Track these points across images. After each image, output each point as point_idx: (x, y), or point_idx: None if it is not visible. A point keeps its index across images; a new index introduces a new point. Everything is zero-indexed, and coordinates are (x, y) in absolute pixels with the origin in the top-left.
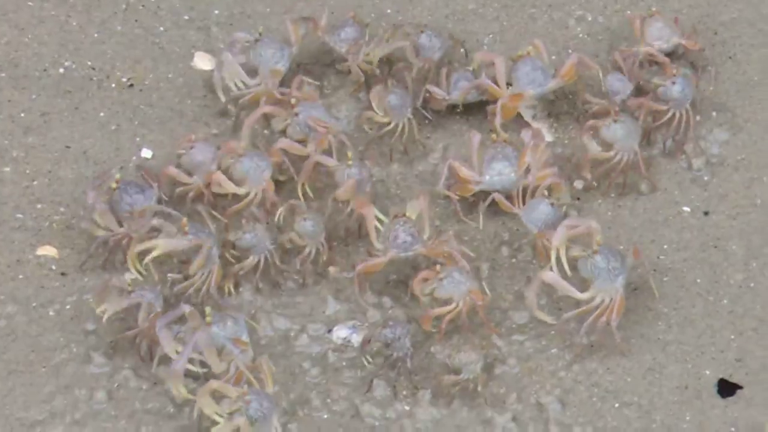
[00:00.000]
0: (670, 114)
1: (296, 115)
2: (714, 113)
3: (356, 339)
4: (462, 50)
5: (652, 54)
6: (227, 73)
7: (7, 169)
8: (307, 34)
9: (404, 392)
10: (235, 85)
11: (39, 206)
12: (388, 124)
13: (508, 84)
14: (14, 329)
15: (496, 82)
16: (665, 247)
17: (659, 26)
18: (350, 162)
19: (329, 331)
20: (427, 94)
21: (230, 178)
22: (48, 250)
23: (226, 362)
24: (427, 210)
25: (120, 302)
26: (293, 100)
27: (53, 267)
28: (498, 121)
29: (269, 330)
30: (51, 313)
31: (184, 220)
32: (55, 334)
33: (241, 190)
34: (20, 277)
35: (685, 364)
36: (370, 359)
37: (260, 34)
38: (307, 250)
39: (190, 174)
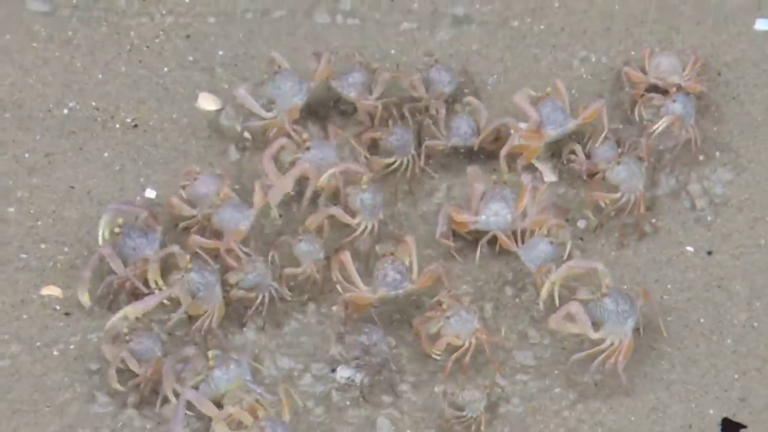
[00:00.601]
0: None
1: (308, 149)
2: (718, 153)
3: (360, 378)
4: (473, 83)
5: (657, 84)
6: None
7: (12, 209)
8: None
9: (408, 431)
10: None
11: (43, 246)
12: (393, 163)
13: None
14: (18, 369)
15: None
16: (669, 287)
17: (671, 61)
18: (365, 186)
19: (333, 370)
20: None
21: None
22: (52, 290)
23: (232, 406)
24: (414, 251)
25: (118, 352)
26: (305, 135)
27: (57, 307)
28: (503, 154)
29: (273, 369)
30: (55, 352)
31: (188, 257)
32: (59, 373)
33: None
34: (24, 317)
35: (689, 404)
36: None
37: (279, 67)
38: (304, 269)
39: (193, 206)
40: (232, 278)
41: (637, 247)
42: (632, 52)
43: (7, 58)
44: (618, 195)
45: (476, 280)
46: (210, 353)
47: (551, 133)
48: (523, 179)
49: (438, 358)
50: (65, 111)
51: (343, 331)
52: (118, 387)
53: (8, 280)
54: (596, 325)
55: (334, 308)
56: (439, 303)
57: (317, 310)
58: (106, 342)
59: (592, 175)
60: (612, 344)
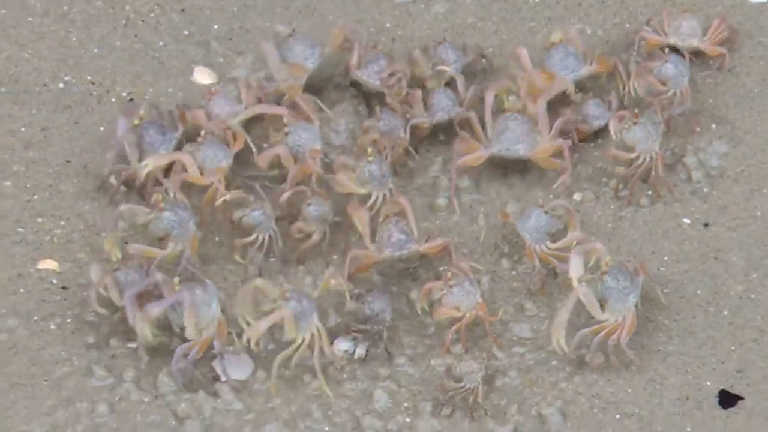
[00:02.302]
0: (671, 92)
1: (286, 134)
2: (714, 125)
3: (358, 352)
4: (483, 60)
5: (676, 47)
6: (270, 60)
7: (8, 183)
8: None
9: (405, 404)
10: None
11: (40, 220)
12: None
13: None
14: (15, 343)
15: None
16: (665, 258)
17: (691, 23)
18: (370, 158)
19: (330, 343)
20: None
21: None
22: (49, 264)
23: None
24: (410, 210)
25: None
26: (285, 119)
27: (54, 281)
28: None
29: (270, 342)
30: (52, 326)
31: (160, 196)
32: (56, 347)
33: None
34: (21, 291)
35: (686, 375)
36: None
37: (293, 30)
38: (315, 236)
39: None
40: (237, 214)
41: (633, 219)
42: (627, 24)
43: (2, 33)
44: (634, 155)
45: (473, 252)
46: (176, 279)
47: (563, 77)
48: (538, 109)
49: (423, 312)
50: (61, 85)
51: (356, 293)
52: (99, 309)
53: (5, 254)
54: (600, 304)
55: (333, 281)
56: (446, 272)
57: (314, 282)
58: (98, 261)
59: (583, 137)
60: (616, 321)
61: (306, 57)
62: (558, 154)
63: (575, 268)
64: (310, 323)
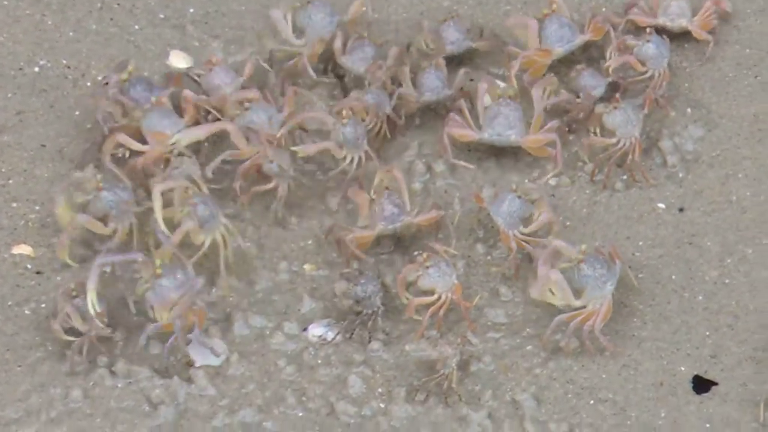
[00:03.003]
0: (649, 73)
1: (246, 110)
2: (689, 110)
3: (331, 336)
4: (495, 38)
5: (665, 27)
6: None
7: None
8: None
9: (379, 390)
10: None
11: (14, 205)
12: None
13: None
14: None
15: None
16: (640, 243)
17: (681, 4)
18: (345, 120)
19: (305, 329)
20: (399, 99)
21: None
22: (23, 249)
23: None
24: (403, 181)
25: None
26: (251, 95)
27: (29, 266)
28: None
29: (245, 328)
30: (27, 311)
31: (99, 177)
32: (30, 332)
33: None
34: None
35: (661, 361)
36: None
37: None
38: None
39: (207, 95)
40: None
41: (608, 204)
42: (603, 9)
43: None
44: (614, 140)
45: (447, 237)
46: (157, 261)
47: (559, 50)
48: (533, 93)
49: (406, 302)
50: (36, 69)
51: (349, 271)
52: (65, 338)
53: None
54: (577, 292)
55: (307, 266)
56: (422, 255)
57: (289, 267)
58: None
59: (587, 110)
60: (593, 308)
61: (324, 26)
62: (550, 143)
63: (536, 291)
64: (217, 223)
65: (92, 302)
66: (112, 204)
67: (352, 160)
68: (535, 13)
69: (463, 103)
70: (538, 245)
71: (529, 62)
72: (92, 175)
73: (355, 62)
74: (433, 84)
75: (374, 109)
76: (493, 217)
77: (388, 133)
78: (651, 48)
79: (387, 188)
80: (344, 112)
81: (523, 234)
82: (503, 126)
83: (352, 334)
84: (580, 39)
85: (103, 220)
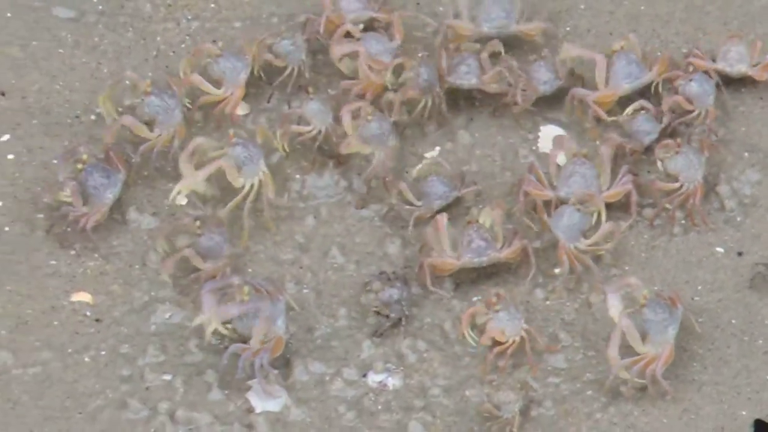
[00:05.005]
0: (695, 112)
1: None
2: (746, 154)
3: (392, 382)
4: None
5: (717, 70)
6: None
7: (41, 216)
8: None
9: None
10: None
11: (72, 252)
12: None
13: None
14: (50, 375)
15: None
16: (699, 288)
17: (740, 50)
18: (369, 117)
19: (364, 375)
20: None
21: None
22: (82, 296)
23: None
24: (500, 219)
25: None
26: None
27: (88, 313)
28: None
29: (304, 374)
30: (86, 359)
31: (148, 81)
32: (90, 380)
33: (217, 91)
34: (55, 323)
35: (721, 405)
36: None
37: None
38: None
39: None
40: (269, 39)
41: (667, 249)
42: (659, 53)
43: (33, 65)
44: (677, 185)
45: (506, 282)
46: (246, 288)
47: (626, 86)
48: (602, 151)
49: (473, 342)
50: (92, 117)
51: (382, 275)
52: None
53: (38, 286)
54: (640, 337)
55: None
56: (491, 297)
57: (348, 314)
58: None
59: (633, 153)
60: (656, 353)
61: (380, 53)
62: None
63: (614, 309)
64: (257, 169)
65: (211, 331)
66: (158, 109)
67: (378, 157)
68: (588, 64)
69: (536, 164)
70: (598, 256)
71: (597, 102)
72: (141, 79)
73: (462, 77)
74: (546, 77)
75: (428, 85)
76: (552, 230)
77: (444, 106)
78: (694, 86)
79: (477, 221)
80: (368, 109)
81: (583, 246)
82: (579, 186)
83: (382, 335)
84: (648, 77)
85: (149, 124)
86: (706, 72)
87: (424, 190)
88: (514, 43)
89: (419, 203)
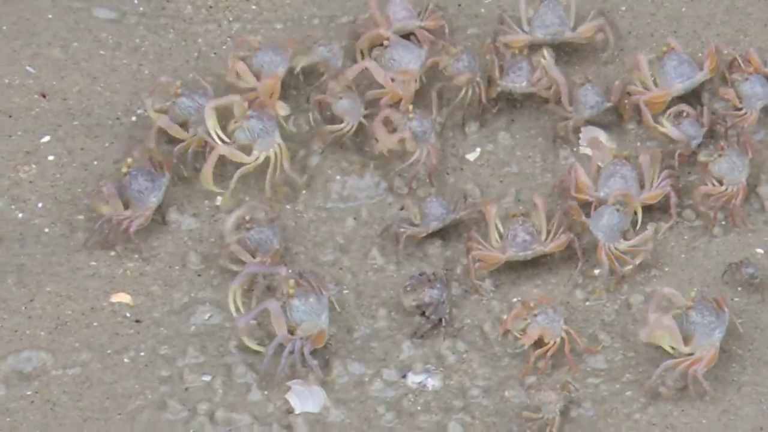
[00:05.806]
0: (742, 111)
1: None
2: None
3: (431, 383)
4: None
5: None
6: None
7: (81, 217)
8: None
9: None
10: None
11: (112, 254)
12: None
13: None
14: (89, 376)
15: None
16: (739, 288)
17: None
18: (411, 115)
19: (404, 375)
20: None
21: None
22: (122, 297)
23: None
24: (544, 212)
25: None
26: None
27: (127, 314)
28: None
29: (344, 375)
30: (126, 360)
31: (178, 82)
32: (130, 381)
33: (254, 83)
34: (95, 324)
35: (760, 405)
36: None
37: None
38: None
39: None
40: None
41: (707, 250)
42: (699, 54)
43: (75, 66)
44: (723, 188)
45: (546, 283)
46: (291, 282)
47: (679, 86)
48: (641, 160)
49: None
50: (133, 118)
51: (423, 275)
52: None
53: (78, 287)
54: (684, 339)
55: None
56: (527, 301)
57: (388, 315)
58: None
59: (681, 157)
60: (701, 355)
61: (408, 62)
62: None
63: (645, 334)
64: (272, 141)
65: (234, 302)
66: (190, 110)
67: (420, 155)
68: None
69: (578, 165)
70: (637, 255)
71: (648, 102)
72: (172, 81)
73: (514, 80)
74: (594, 100)
75: (471, 76)
76: (592, 231)
77: (484, 97)
78: (747, 87)
79: (523, 214)
80: (410, 107)
81: (623, 247)
82: (620, 187)
83: (422, 336)
84: (700, 75)
85: (183, 126)
86: (765, 76)
87: (422, 210)
88: (566, 49)
89: (418, 222)
